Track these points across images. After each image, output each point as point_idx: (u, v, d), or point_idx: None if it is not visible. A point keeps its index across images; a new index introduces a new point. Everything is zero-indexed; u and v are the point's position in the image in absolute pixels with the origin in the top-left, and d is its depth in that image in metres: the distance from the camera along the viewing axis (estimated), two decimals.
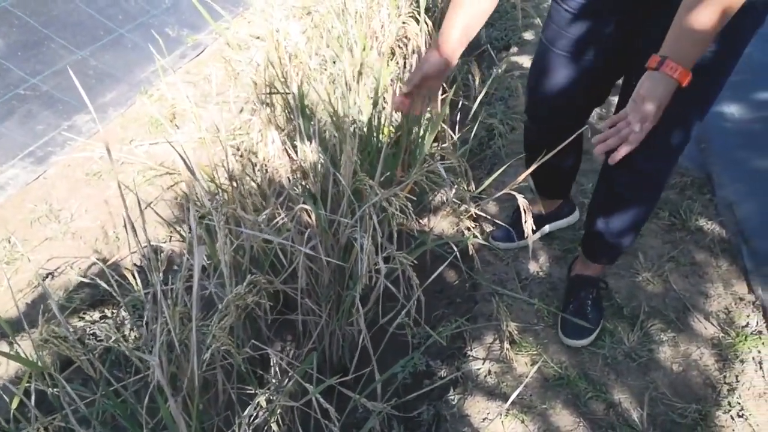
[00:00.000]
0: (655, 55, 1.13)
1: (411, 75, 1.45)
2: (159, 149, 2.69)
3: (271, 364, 1.36)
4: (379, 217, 1.39)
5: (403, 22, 2.35)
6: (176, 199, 2.32)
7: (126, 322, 1.82)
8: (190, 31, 3.61)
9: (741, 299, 1.84)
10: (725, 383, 1.62)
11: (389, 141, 1.93)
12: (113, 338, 1.24)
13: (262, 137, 1.74)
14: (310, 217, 1.43)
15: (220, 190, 1.69)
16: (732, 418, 1.53)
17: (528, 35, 3.64)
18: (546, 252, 2.06)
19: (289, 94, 1.91)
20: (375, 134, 1.90)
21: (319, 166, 1.53)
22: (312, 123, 1.60)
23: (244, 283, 1.19)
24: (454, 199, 1.86)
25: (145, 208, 1.94)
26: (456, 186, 1.80)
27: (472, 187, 1.90)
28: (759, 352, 1.68)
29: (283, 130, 1.86)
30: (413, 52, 2.27)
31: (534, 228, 1.64)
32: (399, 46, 2.55)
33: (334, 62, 2.53)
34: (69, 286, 2.02)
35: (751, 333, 1.73)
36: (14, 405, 1.07)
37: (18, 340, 1.76)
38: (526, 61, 3.28)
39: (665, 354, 1.70)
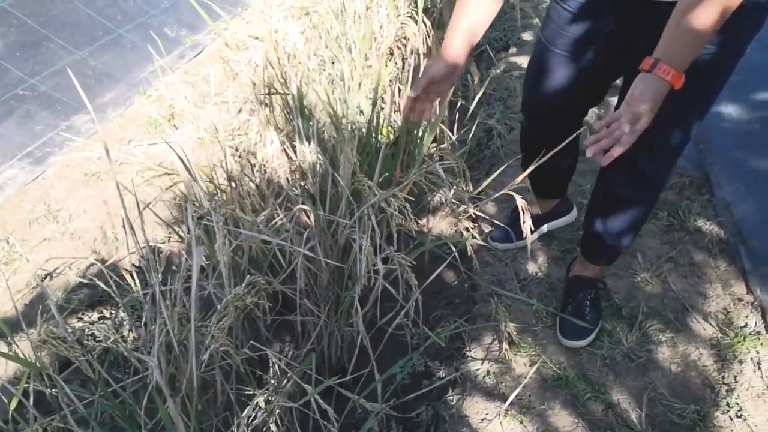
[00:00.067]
0: (648, 58, 1.13)
1: (418, 79, 1.46)
2: (158, 149, 2.69)
3: (270, 364, 1.36)
4: (377, 217, 1.39)
5: (402, 23, 2.35)
6: (175, 199, 2.32)
7: (125, 322, 1.82)
8: (189, 32, 3.61)
9: (739, 300, 1.85)
10: (724, 384, 1.62)
11: (388, 141, 1.93)
12: (112, 339, 1.24)
13: (261, 138, 1.74)
14: (308, 217, 1.43)
15: (218, 191, 1.69)
16: (731, 418, 1.53)
17: (527, 36, 3.64)
18: (545, 252, 2.06)
19: (287, 94, 1.91)
20: (374, 135, 1.90)
21: (318, 166, 1.53)
22: (311, 123, 1.60)
23: (243, 284, 1.19)
24: (452, 200, 1.86)
25: (144, 208, 1.94)
26: (454, 187, 1.80)
27: (470, 187, 1.90)
28: (757, 352, 1.68)
29: (281, 131, 1.86)
30: (412, 52, 2.27)
31: (532, 228, 1.64)
32: (398, 47, 2.55)
33: (332, 63, 2.52)
34: (68, 287, 2.02)
35: (750, 333, 1.73)
36: (13, 406, 1.07)
37: (16, 340, 1.75)
38: (524, 61, 3.28)
39: (664, 354, 1.71)
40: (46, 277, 2.06)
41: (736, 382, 1.62)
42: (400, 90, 2.17)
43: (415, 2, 2.42)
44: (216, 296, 1.34)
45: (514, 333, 1.76)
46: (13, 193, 2.41)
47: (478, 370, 1.69)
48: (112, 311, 1.92)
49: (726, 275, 1.93)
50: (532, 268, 2.01)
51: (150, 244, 1.20)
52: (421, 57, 2.10)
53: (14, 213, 2.33)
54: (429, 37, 2.19)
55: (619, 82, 1.53)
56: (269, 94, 1.92)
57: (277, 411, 1.20)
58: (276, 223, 1.41)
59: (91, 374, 1.13)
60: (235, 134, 2.60)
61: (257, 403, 1.16)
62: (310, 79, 2.13)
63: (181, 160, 1.28)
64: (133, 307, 1.82)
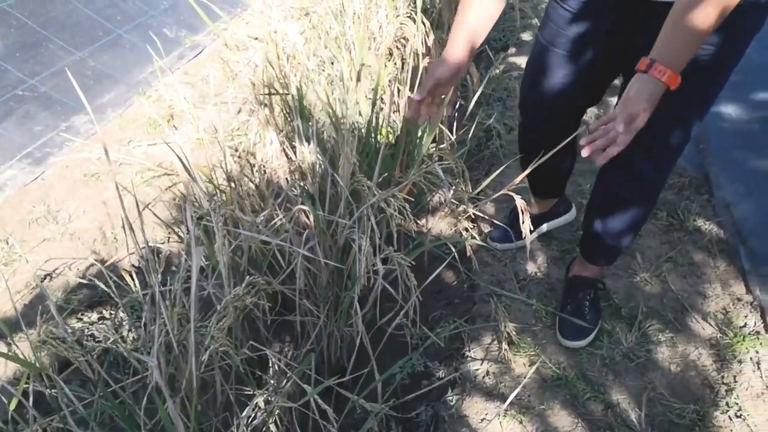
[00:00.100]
0: (644, 58, 1.13)
1: (423, 81, 1.47)
2: (157, 150, 2.69)
3: (270, 365, 1.36)
4: (377, 218, 1.39)
5: (401, 23, 2.35)
6: (174, 200, 2.32)
7: (124, 323, 1.82)
8: (188, 32, 3.61)
9: (739, 299, 1.85)
10: (723, 383, 1.62)
11: (387, 142, 1.93)
12: (111, 339, 1.24)
13: (261, 138, 1.74)
14: (308, 218, 1.43)
15: (218, 191, 1.69)
16: (730, 418, 1.53)
17: (526, 36, 3.65)
18: (544, 253, 2.07)
19: (287, 95, 1.91)
20: (373, 135, 1.90)
21: (318, 167, 1.53)
22: (310, 124, 1.60)
23: (243, 285, 1.19)
24: (452, 200, 1.86)
25: (144, 209, 1.94)
26: (454, 187, 1.80)
27: (470, 188, 1.90)
28: (757, 352, 1.68)
29: (281, 131, 1.86)
30: (411, 52, 2.27)
31: (531, 228, 1.64)
32: (397, 47, 2.55)
33: (332, 63, 2.52)
34: (67, 288, 2.02)
35: (749, 333, 1.73)
36: (12, 406, 1.07)
37: (16, 341, 1.75)
38: (524, 61, 3.27)
39: (663, 354, 1.71)
40: (45, 278, 2.06)
41: (736, 381, 1.62)
42: (399, 90, 2.17)
43: (414, 3, 2.42)
44: (215, 296, 1.34)
45: (514, 333, 1.76)
46: (12, 193, 2.41)
47: (477, 370, 1.69)
48: (112, 312, 1.92)
49: (725, 275, 1.93)
50: (531, 268, 2.01)
51: (149, 244, 1.20)
52: (420, 57, 2.10)
53: (14, 213, 2.33)
54: (428, 37, 2.19)
55: (617, 81, 1.53)
56: (269, 94, 1.91)
57: (277, 411, 1.20)
58: (275, 223, 1.41)
59: (90, 375, 1.13)
60: (235, 135, 2.60)
61: (257, 403, 1.16)
62: (310, 80, 2.13)
63: (181, 160, 1.29)
64: (133, 307, 1.82)
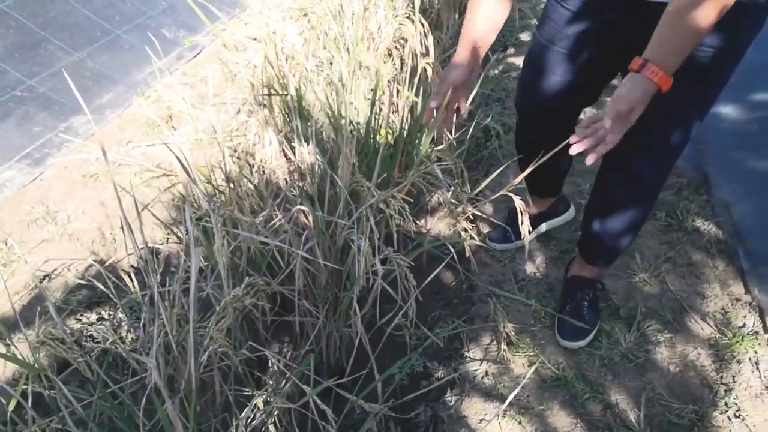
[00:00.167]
0: (638, 57, 1.13)
1: (438, 88, 1.50)
2: (156, 151, 2.69)
3: (269, 365, 1.36)
4: (376, 218, 1.39)
5: (400, 24, 2.35)
6: (173, 200, 2.32)
7: (123, 323, 1.82)
8: (187, 33, 3.61)
9: (737, 300, 1.85)
10: (722, 384, 1.62)
11: (386, 142, 1.93)
12: (110, 340, 1.24)
13: (260, 139, 1.74)
14: (307, 218, 1.43)
15: (217, 192, 1.69)
16: (729, 418, 1.53)
17: (525, 36, 3.65)
18: (543, 253, 2.07)
19: (286, 95, 1.91)
20: (372, 136, 1.90)
21: (317, 167, 1.53)
22: (309, 124, 1.60)
23: (242, 285, 1.19)
24: (451, 200, 1.87)
25: (142, 209, 1.93)
26: (452, 188, 1.80)
27: (468, 188, 1.90)
28: (756, 352, 1.68)
29: (280, 132, 1.86)
30: (410, 53, 2.27)
31: (530, 229, 1.64)
32: (396, 48, 2.56)
33: (331, 64, 2.53)
34: (66, 288, 2.02)
35: (748, 333, 1.74)
36: (11, 407, 1.07)
37: (15, 342, 1.75)
38: (522, 62, 3.28)
39: (662, 355, 1.71)
40: (44, 279, 2.06)
41: (735, 382, 1.62)
42: (398, 91, 2.17)
43: (413, 3, 2.42)
44: (214, 297, 1.34)
45: (513, 333, 1.76)
46: (11, 194, 2.41)
47: (476, 370, 1.69)
48: (111, 312, 1.92)
49: (724, 275, 1.94)
50: (530, 268, 2.01)
51: (148, 245, 1.20)
52: (419, 57, 2.10)
53: (12, 214, 2.33)
54: (426, 37, 2.19)
55: (615, 81, 1.53)
56: (268, 95, 1.92)
57: (276, 412, 1.20)
58: (274, 224, 1.41)
59: (89, 375, 1.13)
60: (234, 135, 2.60)
61: (256, 404, 1.16)
62: (309, 80, 2.13)
63: (180, 161, 1.28)
64: (132, 308, 1.82)
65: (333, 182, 1.46)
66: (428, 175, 1.62)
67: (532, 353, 1.73)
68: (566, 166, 1.90)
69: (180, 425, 1.04)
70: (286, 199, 1.56)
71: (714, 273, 1.95)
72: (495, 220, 2.18)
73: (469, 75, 1.49)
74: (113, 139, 2.76)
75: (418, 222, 2.26)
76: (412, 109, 2.11)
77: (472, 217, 2.17)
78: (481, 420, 1.57)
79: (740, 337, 1.72)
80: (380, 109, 2.01)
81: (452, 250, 1.58)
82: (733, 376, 1.63)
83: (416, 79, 2.06)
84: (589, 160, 1.18)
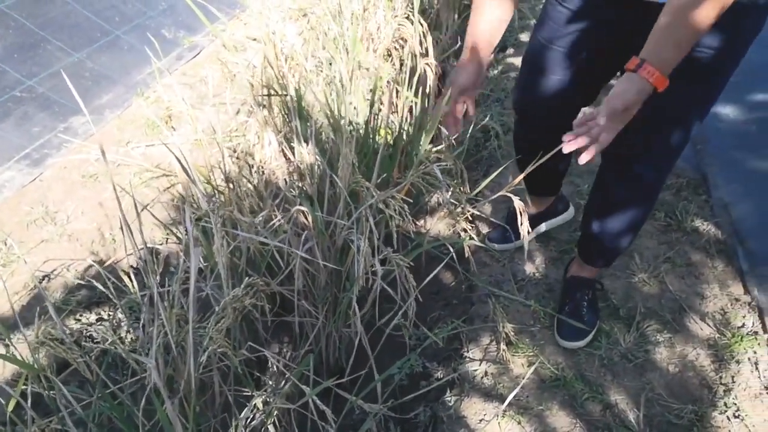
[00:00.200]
0: (634, 57, 1.13)
1: (450, 92, 1.49)
2: (155, 151, 2.69)
3: (268, 366, 1.36)
4: (375, 218, 1.39)
5: (399, 24, 2.35)
6: (173, 201, 2.32)
7: (122, 324, 1.82)
8: (187, 33, 3.61)
9: (737, 300, 1.85)
10: (721, 384, 1.62)
11: (386, 142, 1.93)
12: (110, 340, 1.24)
13: (259, 139, 1.74)
14: (306, 218, 1.43)
15: (216, 192, 1.69)
16: (728, 418, 1.53)
17: (524, 36, 3.65)
18: (542, 253, 2.07)
19: (285, 95, 1.91)
20: (371, 136, 1.90)
21: (316, 167, 1.53)
22: (309, 125, 1.60)
23: (242, 286, 1.19)
24: (451, 200, 1.87)
25: (142, 210, 1.93)
26: (452, 188, 1.80)
27: (467, 188, 1.90)
28: (755, 352, 1.69)
29: (279, 132, 1.86)
30: (409, 53, 2.27)
31: (530, 229, 1.64)
32: (395, 48, 2.55)
33: (330, 64, 2.53)
34: (65, 288, 2.02)
35: (747, 334, 1.74)
36: (10, 407, 1.07)
37: (14, 342, 1.75)
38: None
39: (661, 355, 1.71)
40: (43, 279, 2.06)
41: (734, 382, 1.62)
42: (397, 91, 2.17)
43: (412, 4, 2.42)
44: (214, 298, 1.34)
45: (512, 334, 1.76)
46: (10, 195, 2.41)
47: (476, 370, 1.69)
48: (110, 313, 1.92)
49: (723, 275, 1.94)
50: (529, 268, 2.02)
51: (148, 245, 1.20)
52: (418, 58, 2.10)
53: (12, 215, 2.33)
54: (425, 38, 2.19)
55: (614, 81, 1.53)
56: (267, 95, 1.92)
57: (275, 412, 1.20)
58: (274, 224, 1.41)
59: (89, 376, 1.13)
60: (233, 135, 2.60)
61: (255, 404, 1.16)
62: (308, 81, 2.13)
63: (179, 161, 1.28)
64: (131, 308, 1.82)
65: (332, 182, 1.46)
66: (427, 176, 1.62)
67: (531, 353, 1.73)
68: (565, 166, 1.90)
69: (179, 425, 1.04)
70: (285, 200, 1.56)
71: (713, 273, 1.95)
72: (494, 220, 2.18)
73: (476, 77, 1.50)
74: (113, 140, 2.76)
75: (417, 222, 2.26)
76: (411, 109, 2.11)
77: (471, 218, 2.18)
78: (480, 420, 1.57)
79: (739, 337, 1.72)
80: (379, 110, 2.01)
81: (451, 250, 1.58)
82: (733, 377, 1.63)
83: (415, 80, 2.06)
84: (582, 159, 1.18)
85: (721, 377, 1.64)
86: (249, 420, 1.16)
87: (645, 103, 1.15)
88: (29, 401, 1.04)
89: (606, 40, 1.40)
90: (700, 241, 2.06)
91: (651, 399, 1.60)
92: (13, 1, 3.00)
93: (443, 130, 1.66)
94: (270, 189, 1.62)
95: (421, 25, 2.26)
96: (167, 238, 2.19)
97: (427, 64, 1.96)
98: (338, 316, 1.54)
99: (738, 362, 1.67)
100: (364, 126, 1.90)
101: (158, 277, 1.16)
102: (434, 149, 1.79)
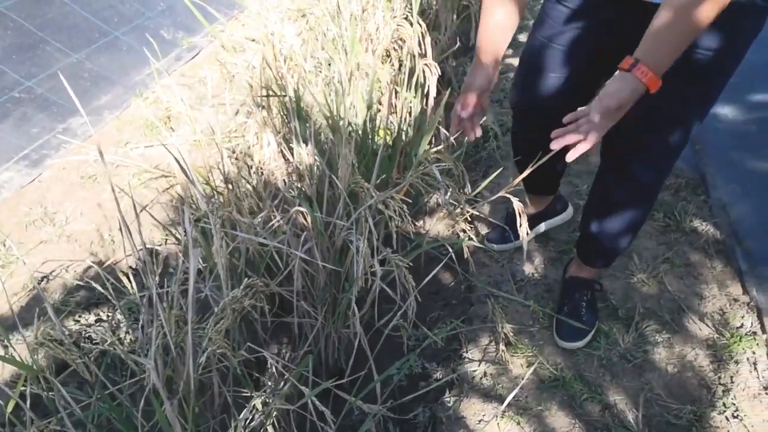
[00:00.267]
0: (629, 57, 1.13)
1: (466, 98, 1.51)
2: (154, 152, 2.68)
3: (267, 366, 1.36)
4: (375, 219, 1.39)
5: (398, 25, 2.35)
6: (172, 201, 2.32)
7: (121, 325, 1.82)
8: (185, 34, 3.60)
9: (735, 300, 1.85)
10: (720, 384, 1.62)
11: (385, 143, 1.93)
12: (109, 341, 1.24)
13: (258, 140, 1.74)
14: (305, 219, 1.43)
15: (215, 193, 1.69)
16: (727, 419, 1.54)
17: (522, 37, 3.64)
18: (541, 254, 2.07)
19: (284, 96, 1.91)
20: (370, 137, 1.90)
21: (315, 168, 1.53)
22: (308, 125, 1.60)
23: (241, 287, 1.19)
24: (450, 201, 1.87)
25: (141, 211, 1.93)
26: (451, 188, 1.81)
27: (468, 189, 1.90)
28: (753, 353, 1.69)
29: (278, 133, 1.86)
30: (408, 53, 2.27)
31: (528, 231, 1.64)
32: (394, 48, 2.55)
33: (329, 65, 2.53)
34: (64, 289, 2.02)
35: (746, 334, 1.74)
36: (9, 408, 1.07)
37: (13, 343, 1.75)
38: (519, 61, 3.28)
39: (660, 355, 1.71)
40: (42, 280, 2.06)
41: (733, 382, 1.62)
42: (396, 92, 2.17)
43: (410, 4, 2.42)
44: (213, 298, 1.34)
45: (511, 334, 1.76)
46: (9, 195, 2.41)
47: (475, 371, 1.69)
48: (109, 313, 1.92)
49: (722, 276, 1.94)
50: (528, 269, 2.02)
51: (147, 246, 1.20)
52: (417, 59, 2.10)
53: (10, 216, 2.33)
54: (424, 39, 2.19)
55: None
56: (266, 96, 1.92)
57: (275, 413, 1.20)
58: (273, 225, 1.41)
59: (88, 377, 1.13)
60: (232, 136, 2.60)
61: (254, 405, 1.16)
62: (307, 81, 2.13)
63: (178, 162, 1.28)
64: (130, 309, 1.82)
65: (332, 183, 1.46)
66: (427, 176, 1.62)
67: (530, 354, 1.73)
68: (563, 165, 1.89)
69: (178, 426, 1.04)
70: (284, 200, 1.56)
71: (712, 273, 1.95)
72: (493, 221, 2.18)
73: (491, 77, 1.50)
74: (111, 141, 2.75)
75: (416, 223, 2.26)
76: (410, 110, 2.11)
77: (470, 218, 2.18)
78: (479, 421, 1.57)
79: (738, 337, 1.72)
80: (378, 110, 2.01)
81: (451, 250, 1.58)
82: (731, 377, 1.64)
83: (414, 80, 2.06)
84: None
85: (719, 377, 1.64)
86: (248, 421, 1.16)
87: (644, 103, 1.15)
88: (28, 402, 1.04)
89: (606, 40, 1.40)
90: (699, 242, 2.06)
91: (650, 399, 1.60)
92: (12, 2, 3.00)
93: (443, 130, 1.66)
94: (269, 190, 1.62)
95: (420, 25, 2.26)
96: (166, 239, 2.19)
97: (426, 64, 1.96)
98: (337, 317, 1.54)
99: (737, 362, 1.67)
100: (363, 127, 1.90)
101: (157, 278, 1.16)
102: (433, 150, 1.79)
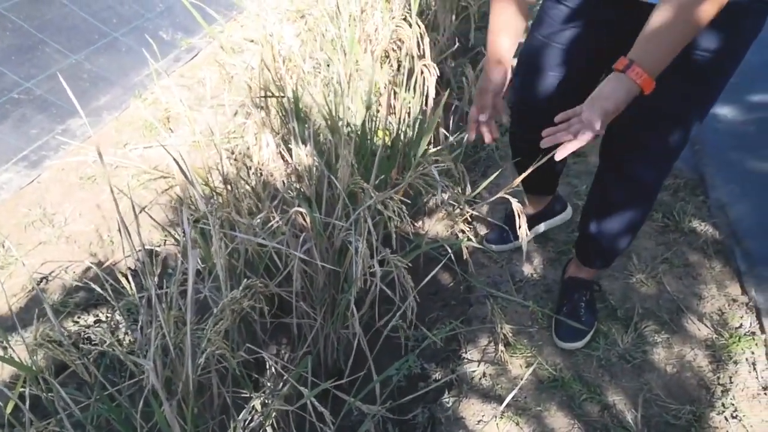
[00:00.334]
0: (623, 57, 1.13)
1: (483, 101, 1.51)
2: (153, 153, 2.68)
3: (267, 367, 1.36)
4: (374, 220, 1.40)
5: (397, 25, 2.35)
6: (171, 202, 2.32)
7: (120, 326, 1.82)
8: (184, 35, 3.61)
9: (734, 300, 1.85)
10: (719, 384, 1.62)
11: (384, 144, 1.93)
12: (108, 342, 1.24)
13: (257, 140, 1.74)
14: (304, 220, 1.43)
15: (214, 194, 1.69)
16: (726, 419, 1.54)
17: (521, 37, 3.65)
18: (540, 254, 2.07)
19: (283, 97, 1.91)
20: (369, 137, 1.90)
21: (314, 169, 1.53)
22: (306, 126, 1.60)
23: (240, 287, 1.19)
24: (450, 201, 1.87)
25: (140, 212, 1.94)
26: (450, 189, 1.81)
27: (468, 189, 1.90)
28: (752, 353, 1.69)
29: (277, 134, 1.86)
30: (407, 54, 2.28)
31: (527, 232, 1.64)
32: (393, 49, 2.56)
33: (328, 65, 2.53)
34: (63, 290, 2.02)
35: (745, 334, 1.74)
36: (9, 410, 1.07)
37: (12, 344, 1.75)
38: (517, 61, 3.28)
39: (659, 355, 1.71)
40: (41, 281, 2.06)
41: (732, 382, 1.62)
42: (395, 93, 2.17)
43: (409, 5, 2.43)
44: (212, 299, 1.34)
45: (510, 335, 1.76)
46: (8, 197, 2.41)
47: (474, 371, 1.69)
48: (108, 314, 1.92)
49: (721, 276, 1.94)
50: (527, 269, 2.02)
51: (146, 247, 1.20)
52: (416, 59, 2.10)
53: (9, 217, 2.33)
54: (423, 39, 2.19)
55: None
56: (265, 97, 1.92)
57: (274, 414, 1.20)
58: (272, 225, 1.41)
59: (87, 378, 1.13)
60: (231, 137, 2.60)
61: (253, 406, 1.16)
62: (306, 82, 2.13)
63: (177, 163, 1.28)
64: (129, 310, 1.82)
65: (331, 184, 1.46)
66: (426, 177, 1.62)
67: (529, 354, 1.73)
68: (561, 165, 1.89)
69: (177, 427, 1.04)
70: (283, 201, 1.56)
71: (711, 274, 1.95)
72: (492, 221, 2.18)
73: (505, 80, 1.51)
74: (110, 142, 2.75)
75: (415, 223, 2.26)
76: (409, 110, 2.11)
77: (470, 219, 2.18)
78: (478, 421, 1.57)
79: (737, 337, 1.72)
80: (377, 111, 2.01)
81: (450, 251, 1.58)
82: (730, 377, 1.64)
83: (413, 81, 2.06)
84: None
85: (718, 378, 1.64)
86: (247, 422, 1.16)
87: (642, 102, 1.15)
88: (27, 403, 1.04)
89: (605, 40, 1.40)
90: (698, 242, 2.06)
91: (649, 399, 1.60)
92: (11, 4, 3.00)
93: (442, 131, 1.66)
94: (268, 190, 1.63)
95: (419, 26, 2.26)
96: (165, 240, 2.19)
97: (424, 65, 1.96)
98: (336, 318, 1.54)
99: (736, 363, 1.67)
100: (362, 127, 1.90)
101: (156, 279, 1.16)
102: (432, 150, 1.79)
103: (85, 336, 1.82)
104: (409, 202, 1.49)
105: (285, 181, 1.63)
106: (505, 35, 1.47)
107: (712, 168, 2.39)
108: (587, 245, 1.75)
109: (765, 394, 1.59)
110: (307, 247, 1.40)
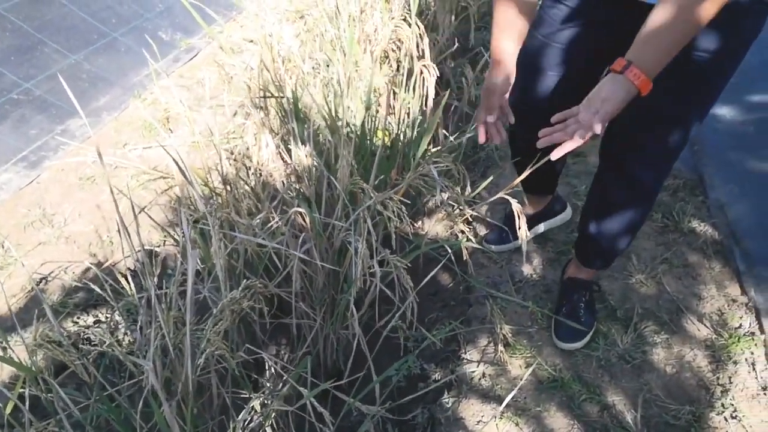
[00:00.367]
0: (620, 58, 1.13)
1: (490, 102, 1.51)
2: (153, 153, 2.68)
3: (266, 368, 1.36)
4: (373, 220, 1.39)
5: (396, 26, 2.35)
6: (170, 203, 2.32)
7: (120, 326, 1.81)
8: (184, 35, 3.60)
9: (734, 301, 1.85)
10: (718, 385, 1.62)
11: (384, 144, 1.93)
12: (107, 343, 1.24)
13: (256, 141, 1.74)
14: (304, 220, 1.43)
15: (214, 194, 1.69)
16: (725, 419, 1.54)
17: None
18: (540, 254, 2.07)
19: (282, 97, 1.91)
20: (369, 138, 1.90)
21: (314, 169, 1.53)
22: (306, 127, 1.61)
23: (239, 288, 1.19)
24: (449, 202, 1.87)
25: (139, 212, 1.93)
26: (449, 189, 1.81)
27: (468, 189, 1.91)
28: (752, 353, 1.69)
29: (277, 134, 1.86)
30: (406, 54, 2.28)
31: (527, 233, 1.64)
32: (392, 50, 2.56)
33: (327, 66, 2.53)
34: (63, 291, 2.01)
35: (744, 334, 1.74)
36: (8, 410, 1.07)
37: (12, 344, 1.75)
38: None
39: (659, 356, 1.71)
40: (41, 281, 2.06)
41: (731, 383, 1.62)
42: (395, 93, 2.17)
43: (408, 6, 2.43)
44: (211, 300, 1.34)
45: (510, 335, 1.76)
46: (7, 197, 2.40)
47: (473, 372, 1.69)
48: (108, 315, 1.92)
49: (720, 276, 1.94)
50: (527, 270, 2.02)
51: (145, 247, 1.20)
52: (415, 60, 2.10)
53: (9, 217, 2.33)
54: (422, 40, 2.19)
55: None
56: (264, 97, 1.92)
57: (273, 414, 1.20)
58: (271, 226, 1.41)
59: (86, 378, 1.13)
60: (230, 137, 2.60)
61: (253, 406, 1.16)
62: (305, 83, 2.13)
63: (176, 163, 1.28)
64: (129, 310, 1.82)
65: (330, 184, 1.46)
66: (426, 177, 1.62)
67: (528, 355, 1.73)
68: (561, 165, 1.89)
69: (177, 428, 1.04)
70: (283, 201, 1.56)
71: (710, 274, 1.95)
72: (492, 221, 2.18)
73: (510, 80, 1.51)
74: (110, 142, 2.75)
75: (415, 224, 2.26)
76: (409, 111, 2.11)
77: (470, 219, 2.18)
78: (478, 422, 1.57)
79: (736, 338, 1.72)
80: (377, 111, 2.02)
81: (449, 251, 1.58)
82: (730, 377, 1.64)
83: (413, 81, 2.06)
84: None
85: (718, 378, 1.64)
86: (247, 422, 1.16)
87: (641, 102, 1.15)
88: (27, 404, 1.04)
89: (605, 40, 1.39)
90: (697, 242, 2.06)
91: (648, 400, 1.60)
92: (10, 4, 3.00)
93: (441, 131, 1.66)
94: (267, 191, 1.63)
95: (418, 26, 2.26)
96: (165, 241, 2.19)
97: (424, 65, 1.96)
98: (336, 318, 1.54)
99: (735, 363, 1.67)
100: (361, 128, 1.90)
101: (156, 280, 1.16)
102: (432, 151, 1.79)
103: (85, 336, 1.82)
104: (408, 202, 1.49)
105: (284, 182, 1.63)
106: (509, 35, 1.47)
107: (712, 168, 2.39)
108: (587, 246, 1.75)
109: (764, 394, 1.59)
110: (307, 247, 1.40)
